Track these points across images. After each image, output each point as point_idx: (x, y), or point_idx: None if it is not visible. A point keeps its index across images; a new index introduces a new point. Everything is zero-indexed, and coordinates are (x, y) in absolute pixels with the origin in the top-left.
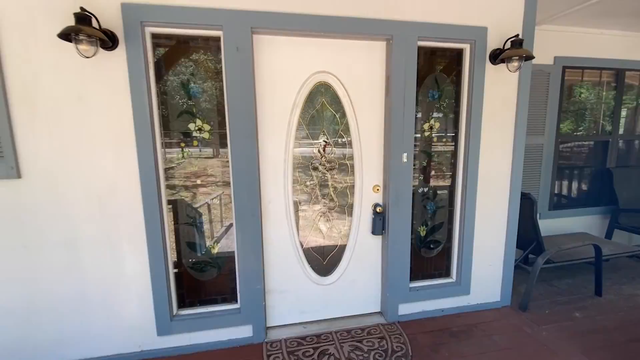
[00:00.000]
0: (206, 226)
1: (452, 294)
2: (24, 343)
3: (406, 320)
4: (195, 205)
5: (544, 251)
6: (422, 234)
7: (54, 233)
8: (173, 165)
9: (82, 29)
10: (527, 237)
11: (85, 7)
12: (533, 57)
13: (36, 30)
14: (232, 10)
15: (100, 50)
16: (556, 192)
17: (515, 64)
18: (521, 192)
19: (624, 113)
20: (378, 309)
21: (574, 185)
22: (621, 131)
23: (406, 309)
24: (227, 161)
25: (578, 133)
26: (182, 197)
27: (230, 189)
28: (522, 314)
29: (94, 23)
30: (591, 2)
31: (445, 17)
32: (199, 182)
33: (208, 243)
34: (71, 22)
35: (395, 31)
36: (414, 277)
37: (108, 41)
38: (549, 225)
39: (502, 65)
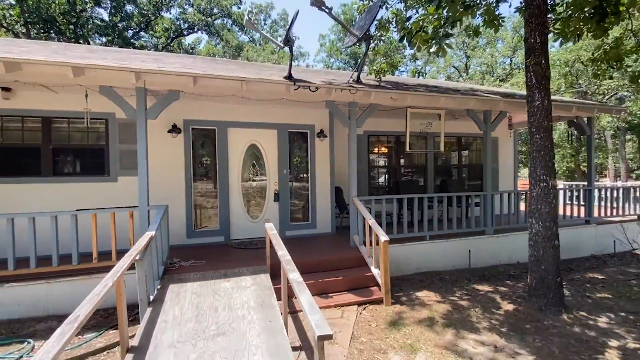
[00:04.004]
0: (210, 204)
1: (309, 227)
2: None
3: (288, 237)
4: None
5: (346, 210)
6: (296, 203)
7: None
8: (195, 179)
9: (174, 129)
10: (342, 205)
11: (175, 123)
12: (326, 136)
13: (155, 129)
14: (220, 121)
15: (177, 135)
16: (372, 192)
17: (325, 139)
18: (337, 186)
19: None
20: (280, 233)
21: (376, 189)
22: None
23: (289, 233)
24: (217, 176)
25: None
26: (199, 194)
27: (217, 186)
28: (336, 235)
29: (176, 126)
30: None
31: (298, 121)
32: (205, 183)
33: (209, 209)
34: (169, 127)
35: (279, 127)
36: (294, 219)
37: (180, 131)
38: None
39: (325, 140)
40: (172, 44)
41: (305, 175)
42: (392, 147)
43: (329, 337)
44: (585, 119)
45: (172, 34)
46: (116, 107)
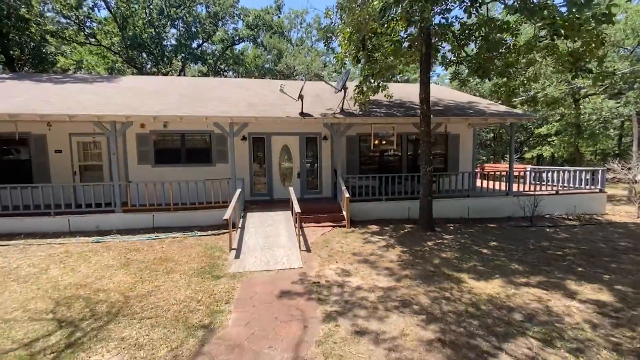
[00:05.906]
0: (262, 179)
1: (318, 193)
2: None
3: (305, 198)
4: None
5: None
6: (310, 179)
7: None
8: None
9: (243, 138)
10: (335, 179)
11: (244, 134)
12: (328, 139)
13: (235, 139)
14: (267, 132)
15: (245, 141)
16: (363, 172)
17: (327, 141)
18: (334, 169)
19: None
20: (299, 196)
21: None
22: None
23: (306, 196)
24: (265, 162)
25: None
26: (256, 173)
27: (265, 168)
28: (333, 197)
29: (245, 137)
30: (354, 122)
31: (311, 130)
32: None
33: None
34: (241, 137)
35: (300, 134)
36: (309, 188)
37: (246, 139)
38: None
39: (328, 141)
40: (226, 52)
41: (315, 162)
42: (375, 143)
43: (300, 213)
44: (509, 124)
45: (226, 44)
46: (214, 128)
